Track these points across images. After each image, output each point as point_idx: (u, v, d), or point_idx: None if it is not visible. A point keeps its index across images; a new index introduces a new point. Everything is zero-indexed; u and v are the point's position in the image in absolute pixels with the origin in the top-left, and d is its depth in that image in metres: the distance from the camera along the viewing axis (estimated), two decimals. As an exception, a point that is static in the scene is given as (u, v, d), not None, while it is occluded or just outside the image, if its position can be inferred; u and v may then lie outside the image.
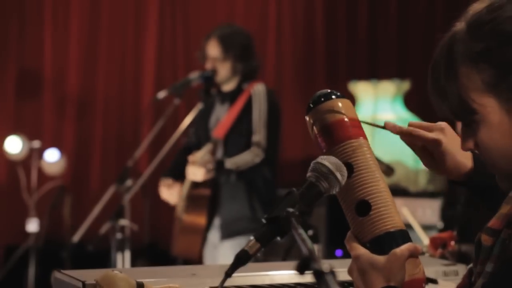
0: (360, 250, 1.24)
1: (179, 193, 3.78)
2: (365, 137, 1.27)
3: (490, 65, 1.14)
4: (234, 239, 3.64)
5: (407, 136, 1.49)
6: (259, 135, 3.62)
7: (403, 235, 1.24)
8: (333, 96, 1.27)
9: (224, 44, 3.67)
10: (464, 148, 1.22)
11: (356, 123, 1.27)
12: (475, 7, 1.18)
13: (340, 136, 1.25)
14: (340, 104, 1.26)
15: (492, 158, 1.19)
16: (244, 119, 3.65)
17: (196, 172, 3.48)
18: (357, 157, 1.24)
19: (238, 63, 3.68)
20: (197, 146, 3.93)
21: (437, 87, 1.20)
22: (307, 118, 1.28)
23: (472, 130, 1.19)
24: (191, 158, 3.49)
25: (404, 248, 1.22)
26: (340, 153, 1.25)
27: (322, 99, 1.27)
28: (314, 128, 1.27)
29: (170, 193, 3.74)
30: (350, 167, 1.24)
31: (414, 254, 1.23)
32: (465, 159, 1.50)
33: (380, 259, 1.22)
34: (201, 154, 3.43)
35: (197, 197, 3.72)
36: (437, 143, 1.47)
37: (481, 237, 1.20)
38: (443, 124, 1.52)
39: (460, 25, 1.18)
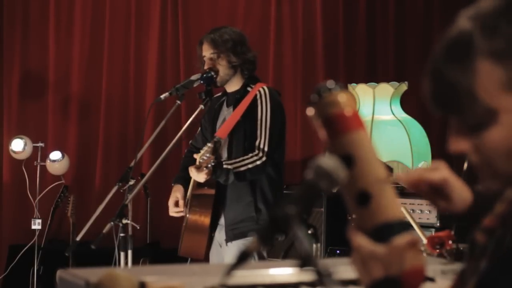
0: (361, 239, 1.23)
1: (185, 198, 3.82)
2: (364, 129, 1.28)
3: None
4: (239, 241, 3.65)
5: (415, 184, 1.56)
6: (261, 139, 3.63)
7: (403, 225, 1.24)
8: (335, 89, 1.28)
9: (214, 43, 3.72)
10: (454, 148, 1.16)
11: (356, 115, 1.27)
12: (484, 3, 1.12)
13: (340, 128, 1.26)
14: (341, 97, 1.27)
15: (497, 160, 1.11)
16: (248, 121, 3.66)
17: (197, 174, 3.51)
18: (357, 149, 1.25)
19: (233, 57, 3.71)
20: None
21: (441, 85, 1.13)
22: (310, 111, 1.29)
23: (472, 130, 1.12)
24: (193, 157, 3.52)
25: (404, 237, 1.22)
26: (341, 144, 1.26)
27: (324, 91, 1.28)
28: (316, 120, 1.28)
29: (175, 210, 3.79)
30: (350, 159, 1.25)
31: (415, 244, 1.22)
32: (466, 192, 1.57)
33: (380, 248, 1.21)
34: (202, 153, 3.46)
35: (202, 196, 3.74)
36: (444, 181, 1.54)
37: (475, 236, 1.19)
38: (439, 163, 1.58)
39: (466, 22, 1.12)
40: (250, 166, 3.59)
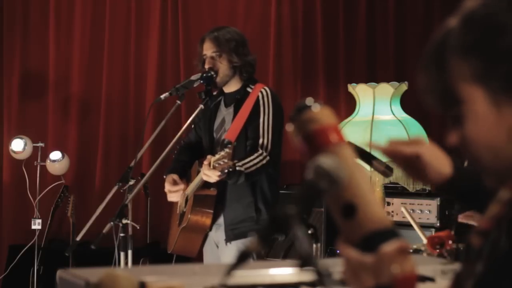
0: (349, 251, 1.23)
1: (183, 191, 3.80)
2: (345, 143, 1.30)
3: (479, 56, 1.12)
4: (240, 241, 3.65)
5: (390, 155, 1.63)
6: (265, 138, 3.64)
7: (391, 233, 1.24)
8: (314, 106, 1.31)
9: (217, 41, 3.72)
10: (449, 142, 1.19)
11: (336, 130, 1.30)
12: (470, 3, 1.18)
13: (320, 143, 1.28)
14: (320, 113, 1.31)
15: (477, 153, 1.15)
16: (251, 122, 3.67)
17: (211, 175, 3.47)
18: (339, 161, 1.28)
19: (234, 57, 3.71)
20: (198, 145, 3.95)
21: (427, 80, 1.19)
22: (290, 127, 1.33)
23: (458, 123, 1.16)
24: (207, 159, 3.47)
25: (391, 244, 1.20)
26: None
27: (302, 109, 1.32)
28: (297, 137, 1.31)
29: (175, 188, 3.76)
30: None
31: (404, 250, 1.20)
32: (445, 167, 1.64)
33: (368, 257, 1.20)
34: (218, 157, 3.42)
35: (205, 197, 3.74)
36: (416, 155, 1.61)
37: (470, 239, 1.18)
38: (419, 138, 1.66)
39: (453, 20, 1.19)
40: (258, 165, 3.59)
